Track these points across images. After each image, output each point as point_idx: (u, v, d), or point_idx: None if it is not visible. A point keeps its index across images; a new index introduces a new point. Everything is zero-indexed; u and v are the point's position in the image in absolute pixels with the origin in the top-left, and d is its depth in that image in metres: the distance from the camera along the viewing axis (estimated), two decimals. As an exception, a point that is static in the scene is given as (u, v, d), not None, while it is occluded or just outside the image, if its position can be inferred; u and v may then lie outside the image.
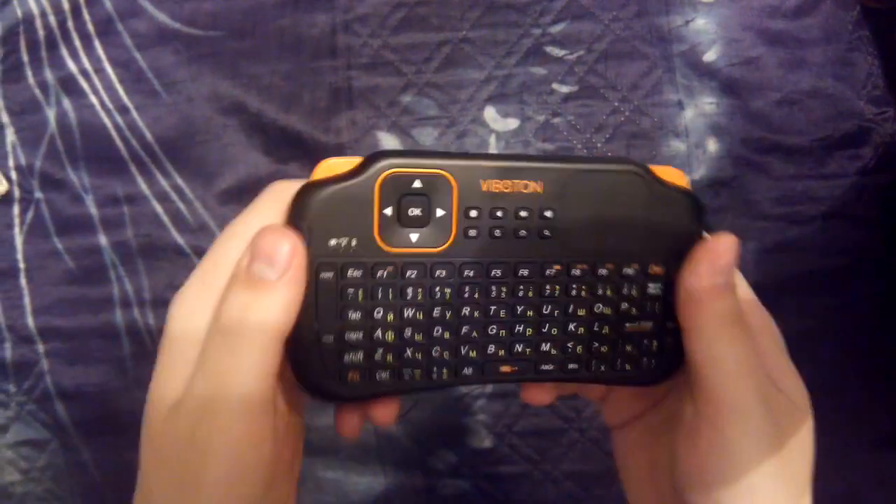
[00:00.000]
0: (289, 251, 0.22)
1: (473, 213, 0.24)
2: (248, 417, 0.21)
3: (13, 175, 0.46)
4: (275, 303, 0.22)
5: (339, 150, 0.45)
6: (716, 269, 0.24)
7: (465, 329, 0.25)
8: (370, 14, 0.45)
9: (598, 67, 0.44)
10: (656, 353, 0.26)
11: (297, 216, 0.23)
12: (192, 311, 0.22)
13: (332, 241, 0.23)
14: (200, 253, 0.45)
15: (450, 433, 0.45)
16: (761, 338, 0.25)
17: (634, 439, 0.28)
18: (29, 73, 0.46)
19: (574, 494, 0.45)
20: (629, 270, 0.25)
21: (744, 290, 0.26)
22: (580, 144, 0.44)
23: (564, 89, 0.45)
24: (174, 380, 0.22)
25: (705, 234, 0.25)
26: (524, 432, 0.45)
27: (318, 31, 0.45)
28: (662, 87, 0.44)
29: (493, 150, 0.45)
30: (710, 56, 0.44)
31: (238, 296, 0.22)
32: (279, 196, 0.23)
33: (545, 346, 0.25)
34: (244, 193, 0.45)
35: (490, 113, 0.45)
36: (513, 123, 0.45)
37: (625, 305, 0.25)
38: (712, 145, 0.44)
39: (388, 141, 0.45)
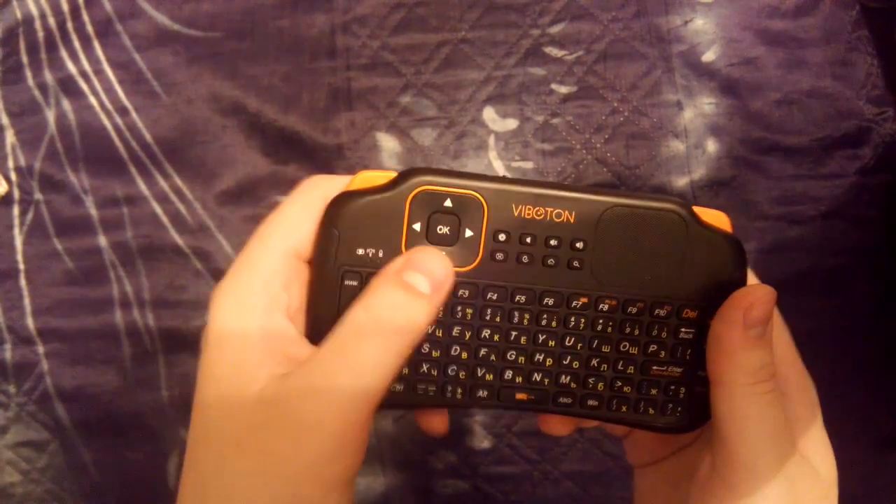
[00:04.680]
0: (445, 273, 0.23)
1: (502, 237, 0.23)
2: (363, 408, 0.21)
3: (13, 176, 0.46)
4: (423, 312, 0.22)
5: (339, 151, 0.45)
6: (749, 320, 0.22)
7: (482, 351, 0.24)
8: (369, 15, 0.45)
9: (597, 68, 0.44)
10: (683, 402, 0.25)
11: (328, 222, 0.23)
12: (242, 305, 0.22)
13: (360, 251, 0.23)
14: (200, 253, 0.45)
15: (449, 433, 0.45)
16: (795, 400, 0.24)
17: (653, 483, 0.27)
18: (28, 74, 0.46)
19: (573, 494, 0.45)
20: (661, 311, 0.24)
21: (784, 346, 0.24)
22: (579, 145, 0.44)
23: (563, 90, 0.45)
24: (247, 371, 0.22)
25: (749, 280, 0.24)
26: (523, 432, 0.45)
27: (317, 32, 0.45)
28: (661, 87, 0.44)
29: (492, 150, 0.45)
30: (709, 56, 0.44)
31: (392, 294, 0.22)
32: (316, 188, 0.24)
33: (564, 379, 0.25)
34: (243, 194, 0.45)
35: (489, 113, 0.45)
36: (512, 124, 0.45)
37: (653, 347, 0.24)
38: (711, 145, 0.44)
39: (387, 141, 0.45)
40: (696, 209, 0.24)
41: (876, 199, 0.44)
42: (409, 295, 0.22)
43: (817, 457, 0.23)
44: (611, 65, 0.44)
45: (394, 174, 0.23)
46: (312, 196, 0.24)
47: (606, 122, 0.44)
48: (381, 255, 0.23)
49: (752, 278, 0.25)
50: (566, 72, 0.45)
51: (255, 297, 0.22)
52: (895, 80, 0.44)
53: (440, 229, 0.23)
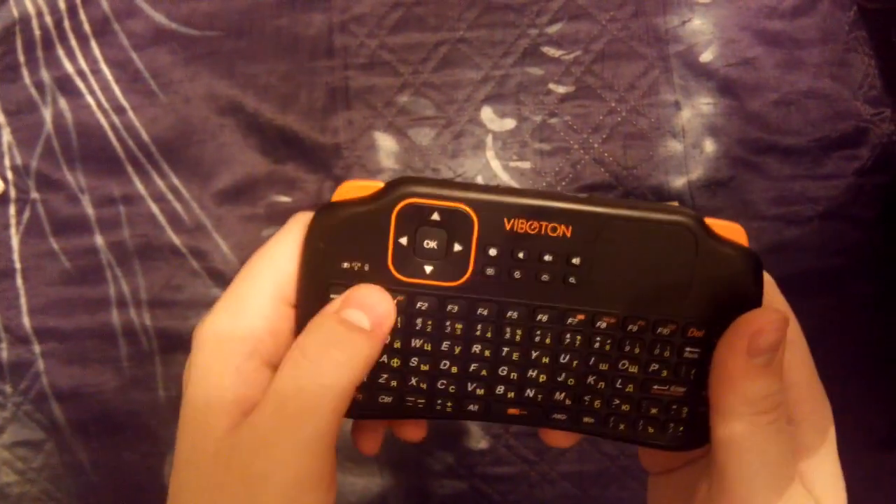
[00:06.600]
0: (386, 309, 0.22)
1: (493, 252, 0.22)
2: (315, 451, 0.21)
3: (9, 175, 0.46)
4: (365, 345, 0.21)
5: (336, 151, 0.45)
6: (756, 347, 0.21)
7: (473, 366, 0.23)
8: (367, 14, 0.45)
9: (594, 68, 0.44)
10: (686, 421, 0.24)
11: (312, 235, 0.22)
12: (221, 351, 0.22)
13: (345, 264, 0.22)
14: (197, 253, 0.45)
15: (447, 434, 0.45)
16: (806, 427, 0.23)
17: (665, 492, 0.27)
18: (25, 73, 0.46)
19: (570, 495, 0.45)
20: (664, 330, 0.23)
21: (800, 367, 0.23)
22: (577, 145, 0.44)
23: (561, 89, 0.45)
24: (208, 425, 0.22)
25: (773, 298, 0.23)
26: (521, 433, 0.45)
27: (315, 31, 0.45)
28: (659, 87, 0.44)
29: (489, 149, 0.45)
30: (707, 56, 0.44)
31: (330, 331, 0.21)
32: (304, 223, 0.23)
33: (558, 395, 0.24)
34: (241, 193, 0.45)
35: (487, 113, 0.45)
36: (509, 124, 0.45)
37: (655, 366, 0.23)
38: (709, 146, 0.44)
39: (385, 141, 0.45)
40: (709, 221, 0.22)
41: (873, 200, 0.44)
42: (348, 330, 0.21)
43: (823, 489, 0.23)
44: (608, 65, 0.44)
45: (381, 185, 0.22)
46: (301, 234, 0.23)
47: (604, 122, 0.44)
48: (366, 268, 0.22)
49: (776, 295, 0.24)
50: (564, 72, 0.44)
51: (235, 344, 0.22)
52: (892, 80, 0.44)
53: (427, 244, 0.22)
